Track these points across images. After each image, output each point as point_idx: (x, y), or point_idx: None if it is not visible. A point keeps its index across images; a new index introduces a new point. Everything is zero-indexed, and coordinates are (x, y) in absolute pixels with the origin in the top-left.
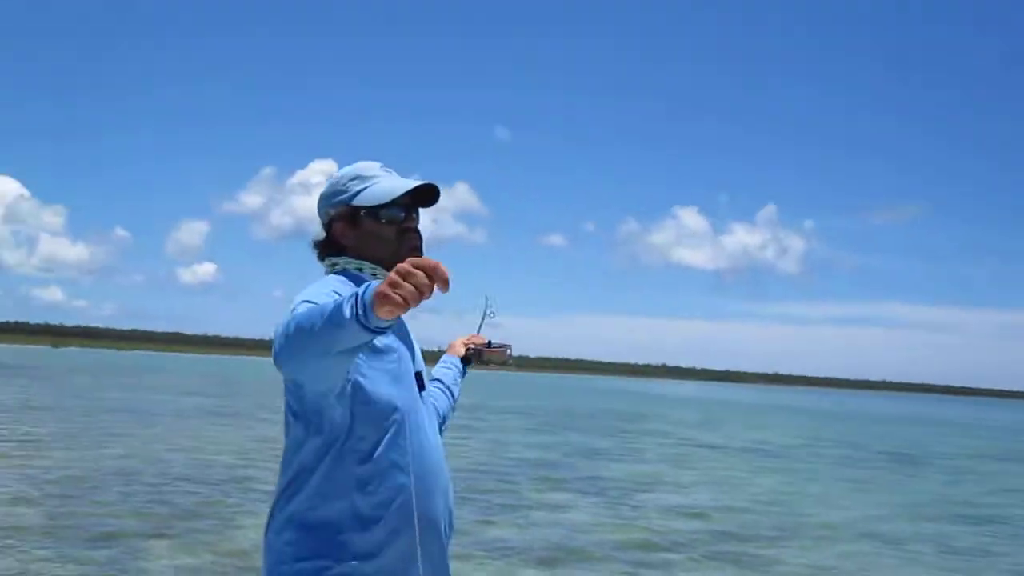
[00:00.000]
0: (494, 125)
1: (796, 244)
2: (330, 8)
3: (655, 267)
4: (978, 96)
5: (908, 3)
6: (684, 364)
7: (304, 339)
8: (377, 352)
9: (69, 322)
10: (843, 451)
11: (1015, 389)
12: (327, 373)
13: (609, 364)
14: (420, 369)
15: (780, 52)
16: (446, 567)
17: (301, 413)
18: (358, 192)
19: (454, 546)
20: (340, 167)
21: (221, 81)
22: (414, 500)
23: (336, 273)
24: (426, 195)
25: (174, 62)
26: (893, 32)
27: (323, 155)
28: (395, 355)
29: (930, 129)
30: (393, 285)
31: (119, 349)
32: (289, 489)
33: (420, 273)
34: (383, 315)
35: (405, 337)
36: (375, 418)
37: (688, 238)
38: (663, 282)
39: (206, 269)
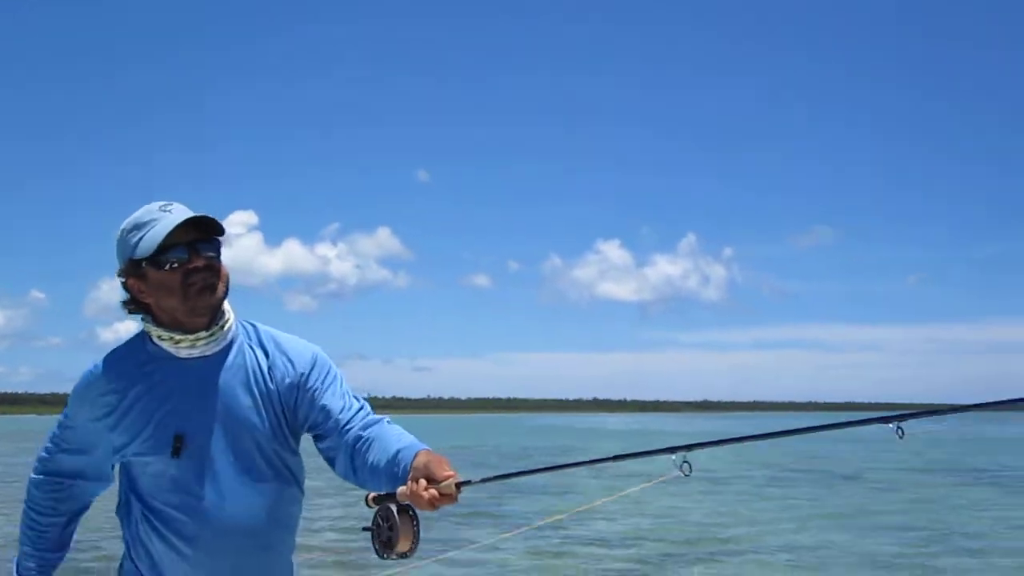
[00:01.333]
0: (415, 168)
1: (718, 272)
2: (238, 50)
3: (581, 302)
4: (888, 117)
5: (823, 27)
6: (614, 397)
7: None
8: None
9: None
10: (769, 472)
11: (940, 402)
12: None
13: (539, 401)
14: (181, 432)
15: (694, 71)
16: None
17: None
18: (136, 244)
19: None
20: (260, 217)
21: (127, 127)
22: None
23: (135, 336)
24: (213, 224)
25: (89, 106)
26: (800, 56)
27: (243, 206)
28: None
29: (841, 152)
30: None
31: (39, 414)
32: None
33: None
34: None
35: (174, 395)
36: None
37: (612, 272)
38: (589, 316)
39: (128, 327)
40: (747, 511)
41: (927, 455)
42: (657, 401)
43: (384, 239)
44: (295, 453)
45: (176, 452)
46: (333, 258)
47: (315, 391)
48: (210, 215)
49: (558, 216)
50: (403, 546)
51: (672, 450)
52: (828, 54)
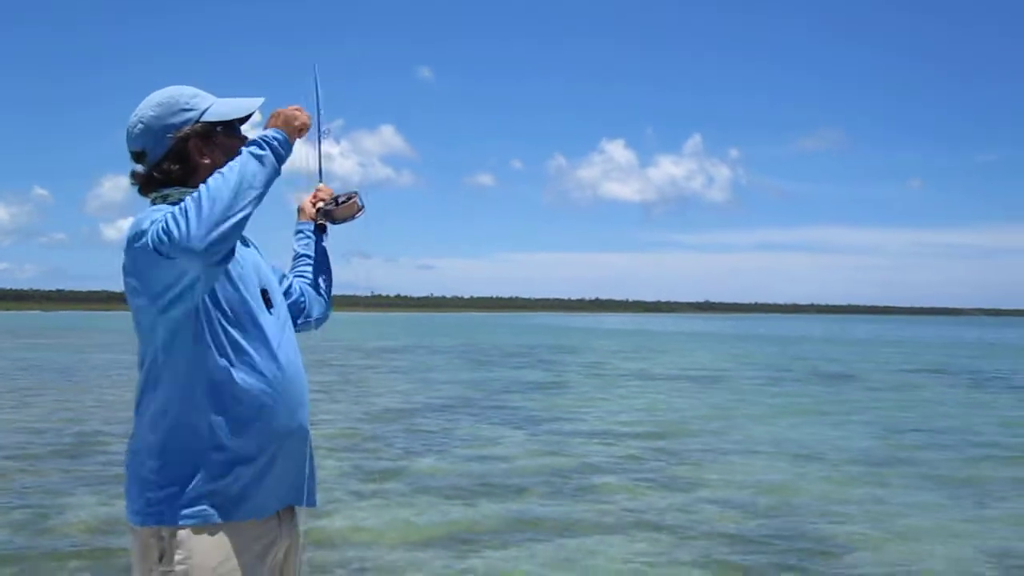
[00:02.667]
0: (417, 66)
1: (722, 173)
2: None
3: (584, 202)
4: (898, 21)
5: None
6: (615, 297)
7: (227, 202)
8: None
9: None
10: (772, 373)
11: (939, 306)
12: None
13: (541, 300)
14: (266, 285)
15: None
16: (304, 466)
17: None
18: (207, 108)
19: (389, 483)
20: (264, 113)
21: (142, 29)
22: (271, 407)
23: (170, 203)
24: (244, 117)
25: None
26: None
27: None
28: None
29: (849, 53)
30: (294, 113)
31: (44, 310)
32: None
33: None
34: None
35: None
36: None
37: (615, 172)
38: (592, 216)
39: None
40: (741, 407)
41: (922, 357)
42: (658, 302)
43: (388, 137)
44: None
45: (269, 304)
46: (336, 155)
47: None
48: None
49: (563, 116)
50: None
51: None
52: None
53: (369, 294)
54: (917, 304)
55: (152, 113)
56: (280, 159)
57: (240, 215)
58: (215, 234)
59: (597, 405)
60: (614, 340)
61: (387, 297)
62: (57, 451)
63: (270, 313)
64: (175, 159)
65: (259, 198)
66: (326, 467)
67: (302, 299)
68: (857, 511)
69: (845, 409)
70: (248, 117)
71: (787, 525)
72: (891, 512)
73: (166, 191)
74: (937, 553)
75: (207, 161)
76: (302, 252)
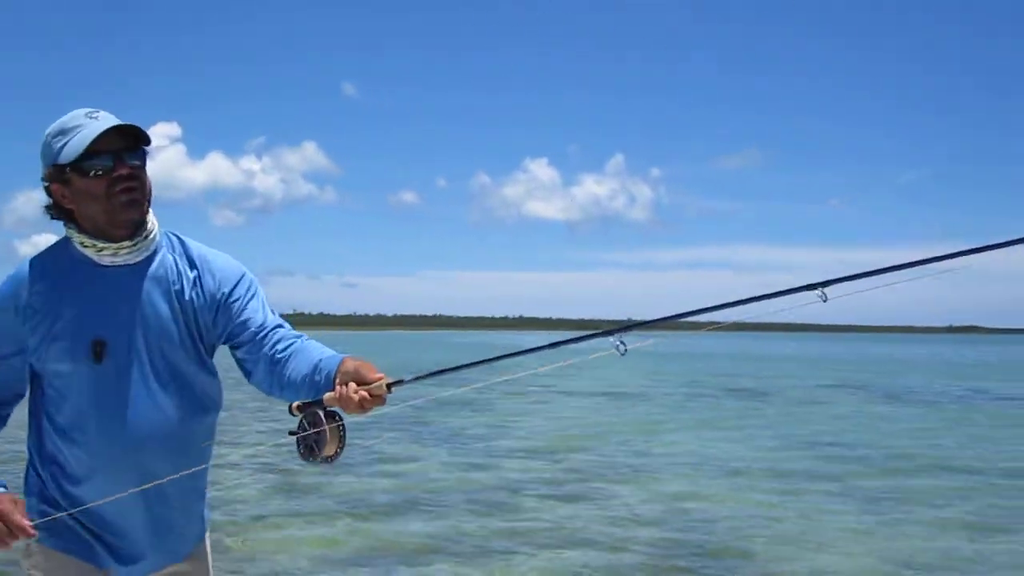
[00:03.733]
0: (341, 81)
1: (644, 192)
2: None
3: (508, 220)
4: (815, 41)
5: None
6: (540, 315)
7: None
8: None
9: None
10: (689, 389)
11: (857, 324)
12: None
13: (466, 319)
14: (102, 337)
15: (630, 5)
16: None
17: None
18: (61, 148)
19: (304, 502)
20: (184, 128)
21: (54, 33)
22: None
23: (59, 242)
24: (134, 136)
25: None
26: None
27: (166, 118)
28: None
29: (768, 73)
30: None
31: None
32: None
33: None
34: None
35: (97, 301)
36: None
37: (539, 190)
38: (517, 235)
39: (48, 239)
40: (659, 423)
41: (836, 374)
42: (583, 320)
43: (310, 153)
44: (208, 366)
45: (98, 357)
46: (258, 172)
47: (237, 305)
48: (136, 124)
49: (486, 133)
50: (329, 450)
51: (609, 333)
52: None
53: (291, 312)
54: (836, 322)
55: (40, 147)
56: None
57: None
58: None
59: (518, 422)
60: (540, 359)
61: (310, 315)
62: None
63: (99, 364)
64: (53, 203)
65: None
66: (245, 484)
67: (250, 365)
68: (772, 523)
69: (760, 423)
70: (138, 141)
71: (705, 538)
72: (805, 523)
73: (66, 225)
74: (847, 563)
75: (72, 207)
76: (310, 369)
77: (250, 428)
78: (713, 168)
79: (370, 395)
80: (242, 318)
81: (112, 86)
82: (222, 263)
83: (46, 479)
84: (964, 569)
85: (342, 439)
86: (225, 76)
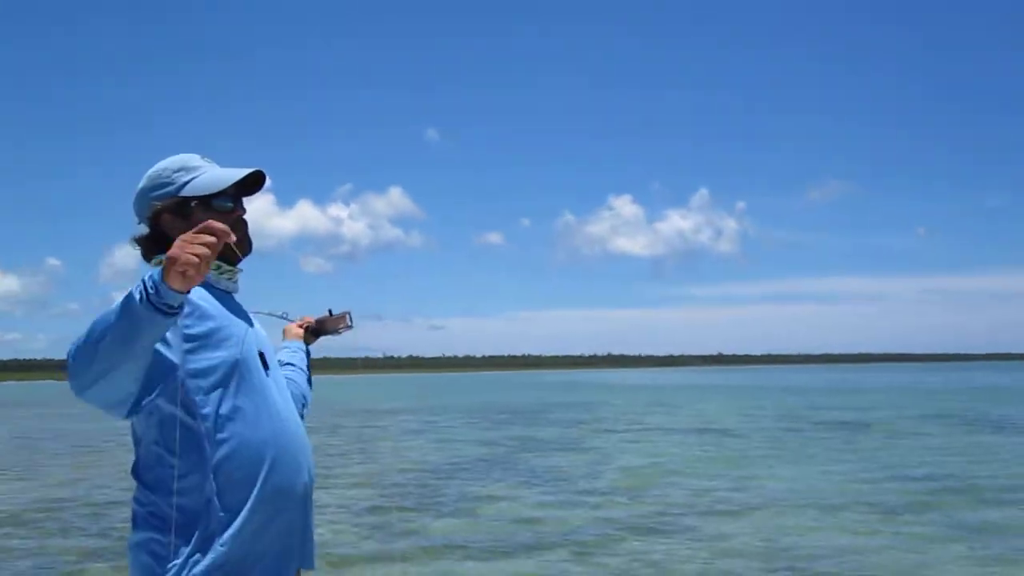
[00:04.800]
0: (425, 127)
1: (730, 226)
2: (243, 12)
3: (594, 258)
4: (898, 66)
5: None
6: (628, 352)
7: (96, 350)
8: (200, 339)
9: (2, 356)
10: (785, 424)
11: (951, 352)
12: (127, 380)
13: (554, 358)
14: (263, 349)
15: (705, 31)
16: (306, 537)
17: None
18: (186, 183)
19: (408, 543)
20: (272, 178)
21: (135, 88)
22: (265, 474)
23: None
24: (252, 184)
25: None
26: (810, 15)
27: (255, 167)
28: (222, 335)
29: (852, 102)
30: (183, 245)
31: (56, 379)
32: None
33: (206, 234)
34: (176, 283)
35: (238, 318)
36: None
37: (624, 227)
38: (602, 272)
39: None
40: (756, 459)
41: (933, 404)
42: (671, 356)
43: (396, 198)
44: None
45: (266, 366)
46: (346, 219)
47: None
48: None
49: (569, 172)
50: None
51: None
52: (838, 14)
53: (381, 355)
54: (928, 351)
55: (142, 184)
56: (157, 309)
57: (107, 372)
58: (88, 384)
59: (611, 460)
60: (628, 396)
61: (399, 358)
62: (81, 516)
63: (268, 375)
64: (152, 232)
65: (132, 349)
66: (344, 528)
67: None
68: (880, 561)
69: (858, 456)
70: (252, 187)
71: (810, 573)
72: (912, 555)
73: (162, 256)
74: None
75: (177, 235)
76: (287, 361)
77: (337, 472)
78: (798, 200)
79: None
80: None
81: (201, 138)
82: None
83: (211, 516)
84: None
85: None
86: (313, 126)
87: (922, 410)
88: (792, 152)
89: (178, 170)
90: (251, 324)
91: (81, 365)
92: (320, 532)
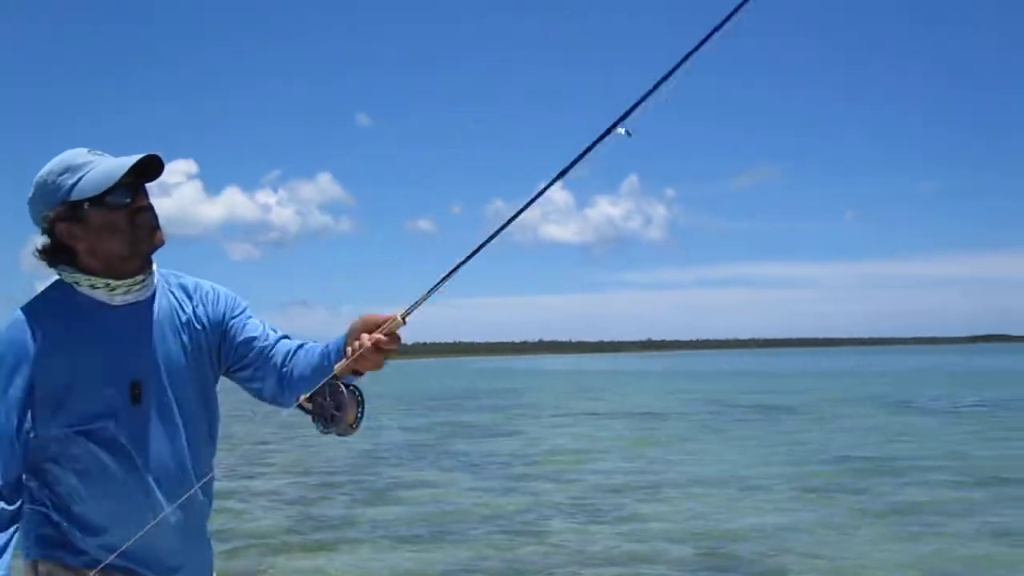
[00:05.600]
0: (355, 112)
1: (659, 212)
2: (177, 7)
3: (525, 245)
4: (826, 55)
5: None
6: (560, 338)
7: None
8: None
9: None
10: (713, 408)
11: (874, 336)
12: None
13: (485, 344)
14: (136, 379)
15: (636, 10)
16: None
17: None
18: (74, 185)
19: (335, 532)
20: (200, 165)
21: (62, 80)
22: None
23: (52, 287)
24: (149, 168)
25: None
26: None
27: (182, 155)
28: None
29: (780, 89)
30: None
31: None
32: None
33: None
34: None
35: (109, 350)
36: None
37: (554, 214)
38: (533, 259)
39: None
40: (682, 441)
41: (861, 388)
42: (601, 342)
43: (325, 184)
44: (216, 396)
45: (136, 399)
46: (274, 205)
47: (238, 324)
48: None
49: (500, 159)
50: (350, 416)
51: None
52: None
53: (312, 343)
54: (855, 335)
55: (30, 193)
56: None
57: None
58: None
59: (542, 444)
60: (558, 382)
61: None
62: None
63: (137, 406)
64: (51, 243)
65: None
66: (273, 519)
67: (259, 381)
68: (800, 535)
69: (784, 439)
70: (152, 173)
71: (734, 552)
72: (833, 534)
73: (63, 268)
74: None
75: (82, 245)
76: (318, 359)
77: (268, 461)
78: (727, 186)
79: (384, 334)
80: (245, 336)
81: (128, 127)
82: (212, 288)
83: (66, 529)
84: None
85: (361, 404)
86: (240, 113)
87: (847, 393)
88: (720, 138)
89: (62, 173)
90: (140, 345)
91: None
92: (248, 521)
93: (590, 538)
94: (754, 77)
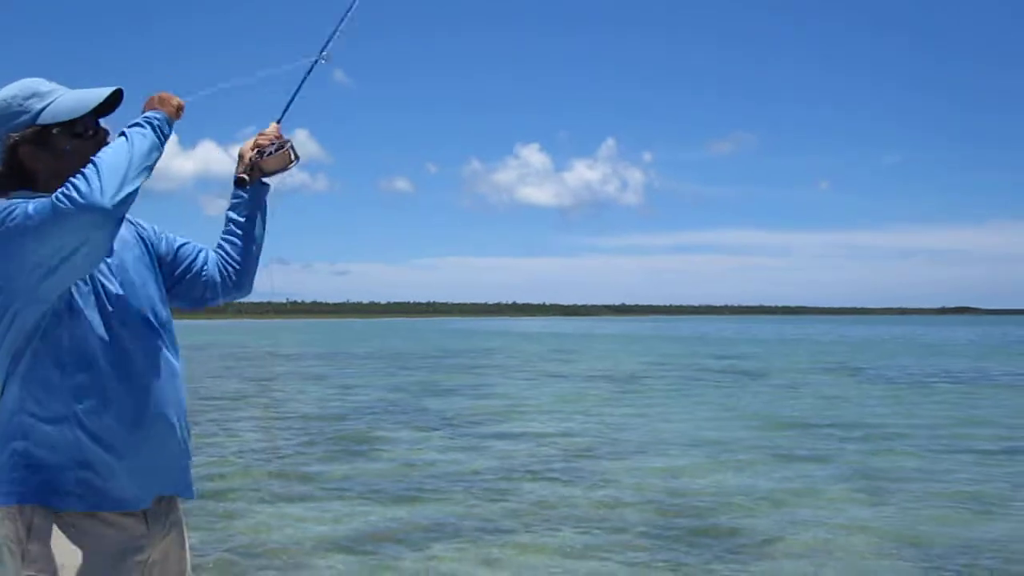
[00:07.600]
0: (332, 68)
1: (636, 177)
2: None
3: (501, 207)
4: (810, 24)
5: None
6: (533, 301)
7: (124, 170)
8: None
9: None
10: (686, 373)
11: (845, 306)
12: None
13: (459, 305)
14: (144, 307)
15: None
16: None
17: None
18: (42, 110)
19: (307, 487)
20: (182, 121)
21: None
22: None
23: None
24: (107, 105)
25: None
26: None
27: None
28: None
29: (758, 58)
30: (165, 100)
31: None
32: None
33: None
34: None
35: (133, 273)
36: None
37: (531, 176)
38: (509, 221)
39: None
40: (653, 405)
41: (829, 356)
42: (575, 305)
43: (302, 141)
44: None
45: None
46: None
47: (173, 240)
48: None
49: (477, 119)
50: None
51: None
52: None
53: (285, 300)
54: (826, 304)
55: None
56: (161, 138)
57: (136, 183)
58: (121, 194)
59: (515, 404)
60: (531, 343)
61: (303, 303)
62: None
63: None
64: (8, 166)
65: (147, 170)
66: (246, 472)
67: (204, 270)
68: (764, 498)
69: (751, 403)
70: (107, 109)
71: (700, 512)
72: (797, 497)
73: (13, 194)
74: (842, 537)
75: (40, 166)
76: (229, 216)
77: (239, 415)
78: (705, 152)
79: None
80: (180, 243)
81: (95, 71)
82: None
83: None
84: (959, 537)
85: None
86: (217, 65)
87: (818, 361)
88: (699, 104)
89: (29, 97)
90: (142, 279)
91: (113, 186)
92: (219, 477)
93: (560, 496)
94: (732, 45)
